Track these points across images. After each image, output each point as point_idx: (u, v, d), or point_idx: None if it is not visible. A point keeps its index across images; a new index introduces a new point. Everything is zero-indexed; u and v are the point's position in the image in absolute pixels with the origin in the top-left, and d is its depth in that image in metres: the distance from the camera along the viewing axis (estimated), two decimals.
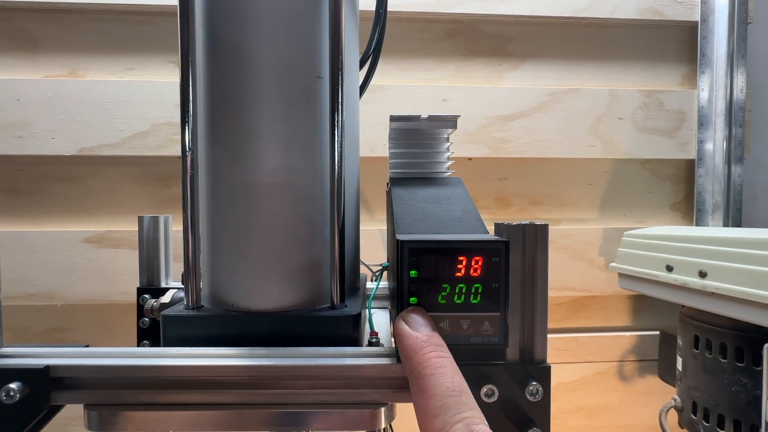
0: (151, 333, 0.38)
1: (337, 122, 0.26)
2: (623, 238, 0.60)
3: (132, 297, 0.39)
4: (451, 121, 0.32)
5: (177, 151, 0.61)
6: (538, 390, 0.21)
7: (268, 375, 0.22)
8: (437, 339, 0.19)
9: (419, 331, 0.19)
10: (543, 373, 0.21)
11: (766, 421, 0.43)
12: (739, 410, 0.47)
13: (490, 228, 0.24)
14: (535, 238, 0.21)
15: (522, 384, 0.21)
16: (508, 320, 0.20)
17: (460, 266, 0.20)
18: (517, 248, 0.21)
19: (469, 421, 0.16)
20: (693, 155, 0.68)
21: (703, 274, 0.48)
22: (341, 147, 0.26)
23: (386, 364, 0.22)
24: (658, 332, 0.67)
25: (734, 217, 0.66)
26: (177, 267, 0.38)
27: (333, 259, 0.26)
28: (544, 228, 0.21)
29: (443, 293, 0.20)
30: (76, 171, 0.61)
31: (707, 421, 0.50)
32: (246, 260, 0.25)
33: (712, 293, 0.47)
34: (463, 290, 0.20)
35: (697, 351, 0.51)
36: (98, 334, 0.61)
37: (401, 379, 0.22)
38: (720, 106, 0.66)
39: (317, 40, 0.26)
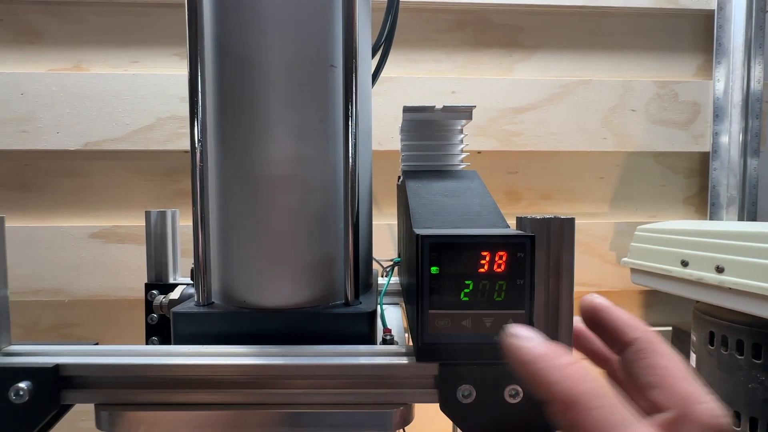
0: (159, 329, 0.37)
1: (351, 113, 0.25)
2: (636, 233, 0.59)
3: (139, 292, 0.38)
4: (466, 112, 0.31)
5: (183, 145, 0.60)
6: None
7: (281, 374, 0.21)
8: (556, 344, 0.17)
9: (533, 342, 0.17)
10: None
11: None
12: (756, 408, 0.46)
13: (511, 223, 0.23)
14: (560, 232, 0.20)
15: None
16: (533, 318, 0.20)
17: (483, 262, 0.19)
18: (542, 243, 0.20)
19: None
20: (707, 148, 0.66)
21: (720, 270, 0.47)
22: (355, 138, 0.25)
23: (404, 364, 0.21)
24: (670, 328, 0.66)
25: (749, 211, 0.65)
26: (185, 263, 0.37)
27: (347, 254, 0.25)
28: (570, 222, 0.20)
29: (466, 290, 0.19)
30: (81, 165, 0.61)
31: None
32: (258, 256, 0.25)
33: (730, 289, 0.46)
34: (487, 287, 0.19)
35: (713, 347, 0.51)
36: (106, 329, 0.61)
37: (419, 379, 0.21)
38: (736, 97, 0.64)
39: (331, 30, 0.25)
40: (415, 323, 0.20)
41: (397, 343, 0.26)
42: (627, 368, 0.19)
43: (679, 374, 0.17)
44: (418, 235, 0.20)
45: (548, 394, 0.16)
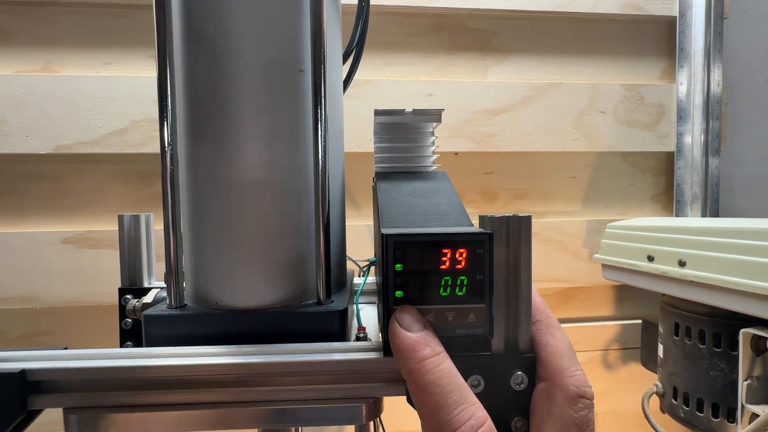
0: (134, 334, 0.37)
1: (320, 116, 0.25)
2: (606, 230, 0.61)
3: (113, 298, 0.38)
4: (435, 115, 0.32)
5: (158, 148, 0.59)
6: (523, 379, 0.21)
7: (254, 372, 0.22)
8: (428, 336, 0.20)
9: (411, 330, 0.20)
10: (527, 363, 0.21)
11: (742, 404, 0.45)
12: (717, 394, 0.48)
13: (476, 221, 0.24)
14: (518, 229, 0.21)
15: (507, 374, 0.21)
16: (493, 311, 0.21)
17: (444, 259, 0.20)
18: (501, 240, 0.21)
19: (474, 423, 0.18)
20: (672, 148, 0.69)
21: (682, 264, 0.49)
22: (325, 141, 0.25)
23: (374, 358, 0.22)
24: (640, 321, 0.69)
25: (712, 207, 0.68)
26: (160, 267, 0.37)
27: (318, 254, 0.26)
28: (527, 219, 0.21)
29: (428, 286, 0.20)
30: (52, 170, 0.59)
31: (687, 405, 0.52)
32: (230, 257, 0.25)
33: (691, 282, 0.48)
34: (449, 282, 0.20)
35: (677, 338, 0.53)
36: (80, 336, 0.60)
37: (389, 373, 0.22)
38: (698, 99, 0.67)
39: (299, 34, 0.25)
40: (383, 319, 0.21)
41: (370, 340, 0.27)
42: None
43: (560, 353, 0.21)
44: (383, 233, 0.20)
45: (406, 378, 0.20)
